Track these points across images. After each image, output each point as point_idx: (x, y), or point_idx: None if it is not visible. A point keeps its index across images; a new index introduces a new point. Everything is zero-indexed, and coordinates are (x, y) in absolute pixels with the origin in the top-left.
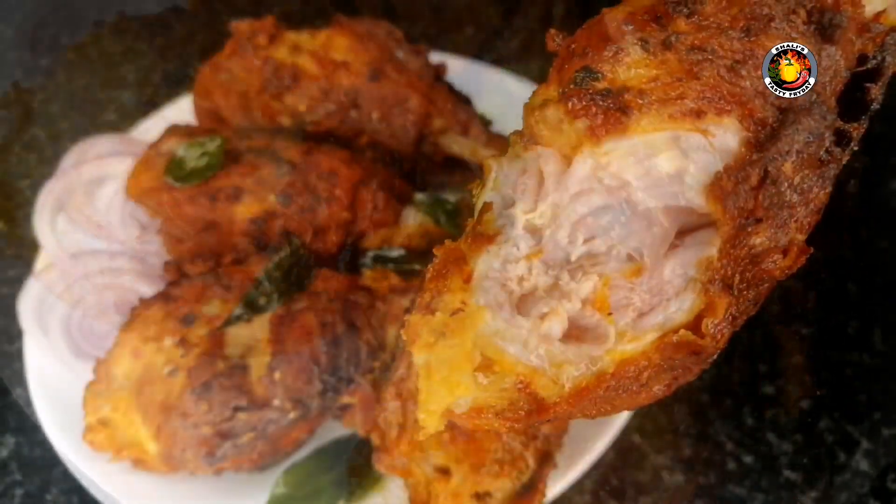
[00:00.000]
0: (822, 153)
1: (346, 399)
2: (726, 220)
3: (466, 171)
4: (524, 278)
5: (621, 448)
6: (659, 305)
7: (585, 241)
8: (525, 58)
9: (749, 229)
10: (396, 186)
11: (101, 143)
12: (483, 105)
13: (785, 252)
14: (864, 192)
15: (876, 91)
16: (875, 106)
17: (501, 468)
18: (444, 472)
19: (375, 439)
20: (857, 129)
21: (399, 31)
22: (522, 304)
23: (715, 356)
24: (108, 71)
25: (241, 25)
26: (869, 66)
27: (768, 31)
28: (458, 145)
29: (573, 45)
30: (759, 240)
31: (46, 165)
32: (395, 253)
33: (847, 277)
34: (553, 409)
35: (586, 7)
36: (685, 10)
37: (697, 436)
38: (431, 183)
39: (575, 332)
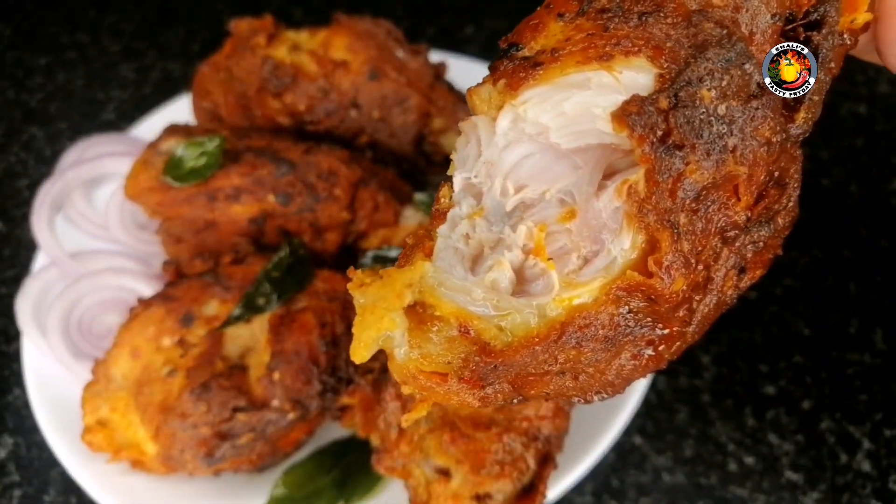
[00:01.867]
0: (752, 87)
1: (345, 400)
2: (636, 139)
3: None
4: (469, 236)
5: (622, 449)
6: (602, 250)
7: (517, 190)
8: None
9: (675, 158)
10: (396, 186)
11: (99, 143)
12: None
13: (736, 191)
14: (865, 191)
15: (819, 38)
16: (824, 52)
17: (502, 469)
18: (444, 473)
19: (375, 440)
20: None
21: (399, 31)
22: (476, 265)
23: (683, 312)
24: (108, 71)
25: (240, 24)
26: (811, 18)
27: None
28: None
29: (510, 37)
30: (691, 171)
31: (45, 165)
32: (395, 253)
33: (847, 277)
34: (501, 355)
35: None
36: None
37: (698, 436)
38: (431, 183)
39: (525, 288)
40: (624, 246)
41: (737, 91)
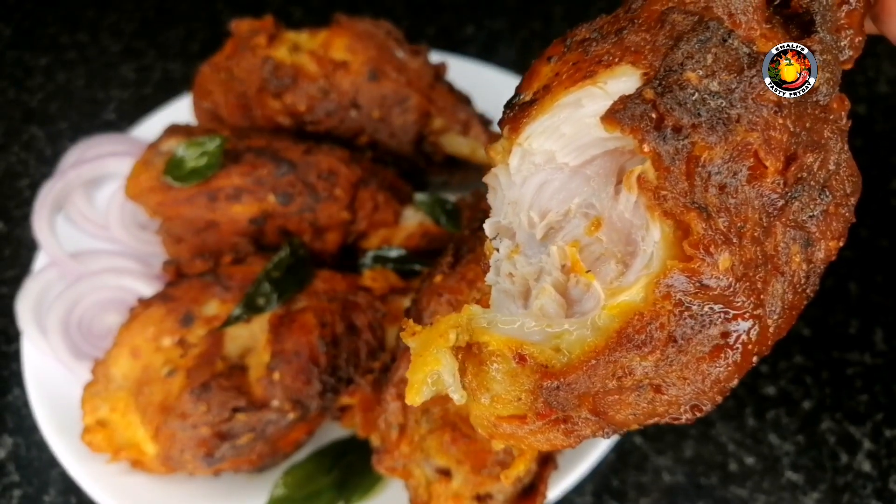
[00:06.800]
0: (742, 59)
1: (345, 400)
2: (629, 132)
3: (466, 171)
4: (512, 275)
5: (622, 449)
6: (637, 250)
7: (542, 217)
8: (525, 57)
9: (678, 140)
10: (396, 186)
11: (100, 143)
12: (483, 105)
13: (758, 157)
14: (865, 191)
15: (797, 2)
16: (821, 13)
17: (503, 469)
18: (445, 473)
19: (375, 440)
20: (813, 41)
21: (399, 31)
22: (527, 300)
23: (747, 293)
24: (108, 71)
25: (241, 25)
26: None
27: None
28: (458, 145)
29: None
30: (701, 149)
31: (45, 165)
32: (395, 253)
33: (847, 277)
34: (562, 374)
35: (585, 7)
36: (584, 23)
37: (698, 437)
38: (431, 183)
39: (575, 308)
40: (655, 238)
41: (727, 66)
